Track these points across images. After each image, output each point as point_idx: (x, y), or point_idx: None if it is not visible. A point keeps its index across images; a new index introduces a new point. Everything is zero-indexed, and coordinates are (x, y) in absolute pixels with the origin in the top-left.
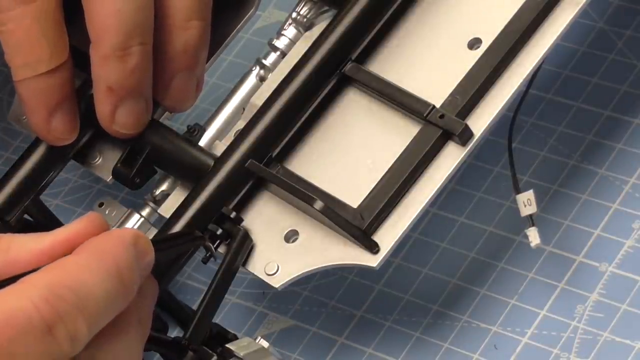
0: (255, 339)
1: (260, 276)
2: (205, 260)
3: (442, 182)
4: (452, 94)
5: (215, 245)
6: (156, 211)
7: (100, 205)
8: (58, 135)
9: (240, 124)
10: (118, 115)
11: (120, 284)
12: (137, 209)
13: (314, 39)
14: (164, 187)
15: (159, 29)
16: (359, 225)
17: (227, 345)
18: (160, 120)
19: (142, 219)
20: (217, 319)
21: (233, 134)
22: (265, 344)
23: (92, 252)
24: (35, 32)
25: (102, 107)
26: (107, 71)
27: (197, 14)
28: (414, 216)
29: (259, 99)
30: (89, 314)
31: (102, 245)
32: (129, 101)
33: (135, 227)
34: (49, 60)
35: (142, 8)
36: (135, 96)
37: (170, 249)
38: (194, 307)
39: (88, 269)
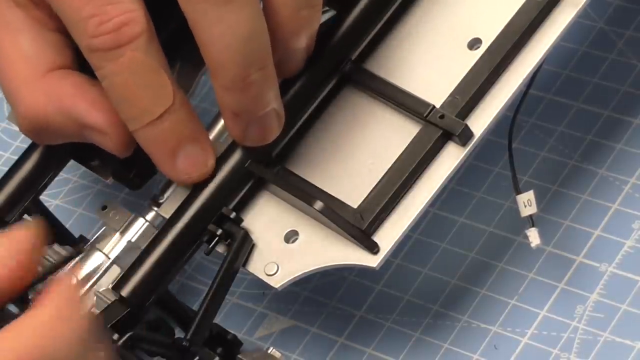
0: (267, 350)
1: (260, 276)
2: (207, 252)
3: (442, 182)
4: (452, 94)
5: (214, 244)
6: (160, 214)
7: (104, 208)
8: (186, 176)
9: None
10: (248, 134)
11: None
12: (141, 213)
13: None
14: (167, 190)
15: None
16: (359, 226)
17: (239, 356)
18: None
19: (147, 223)
20: (217, 320)
21: None
22: (277, 354)
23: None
24: (131, 86)
25: (233, 130)
26: (229, 100)
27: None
28: (414, 216)
29: None
30: None
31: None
32: (257, 119)
33: (140, 231)
34: (152, 110)
35: (257, 35)
36: (263, 112)
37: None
38: (195, 308)
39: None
